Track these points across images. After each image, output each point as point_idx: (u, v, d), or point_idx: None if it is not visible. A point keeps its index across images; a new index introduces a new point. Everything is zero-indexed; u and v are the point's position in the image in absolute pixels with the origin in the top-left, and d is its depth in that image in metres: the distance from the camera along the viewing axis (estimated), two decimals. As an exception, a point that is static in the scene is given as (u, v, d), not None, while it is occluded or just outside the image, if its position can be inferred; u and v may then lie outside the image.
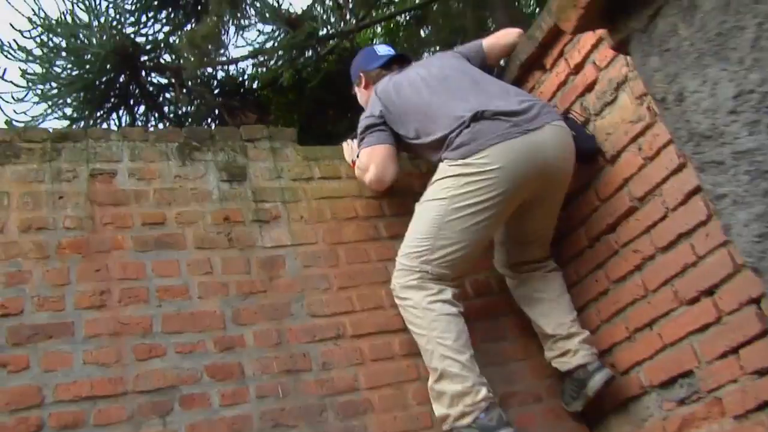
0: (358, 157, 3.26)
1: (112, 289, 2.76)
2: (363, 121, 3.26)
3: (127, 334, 2.69)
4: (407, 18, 10.05)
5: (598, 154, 3.08)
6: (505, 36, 3.59)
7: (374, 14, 9.15)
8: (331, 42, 7.68)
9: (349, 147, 3.45)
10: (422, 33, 10.19)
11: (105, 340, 2.66)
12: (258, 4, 6.77)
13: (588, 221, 3.17)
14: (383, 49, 3.70)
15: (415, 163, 3.52)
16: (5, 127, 6.72)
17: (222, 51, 6.41)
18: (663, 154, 2.78)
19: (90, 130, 3.15)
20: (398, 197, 3.36)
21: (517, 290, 3.25)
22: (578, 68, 3.20)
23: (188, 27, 8.02)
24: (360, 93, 3.62)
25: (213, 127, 8.27)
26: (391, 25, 10.16)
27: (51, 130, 3.05)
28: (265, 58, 7.64)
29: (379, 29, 10.53)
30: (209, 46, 5.60)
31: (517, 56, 3.48)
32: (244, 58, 7.60)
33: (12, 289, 2.65)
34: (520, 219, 3.09)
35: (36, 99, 7.10)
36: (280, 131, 3.40)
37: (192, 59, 5.50)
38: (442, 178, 2.94)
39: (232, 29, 6.40)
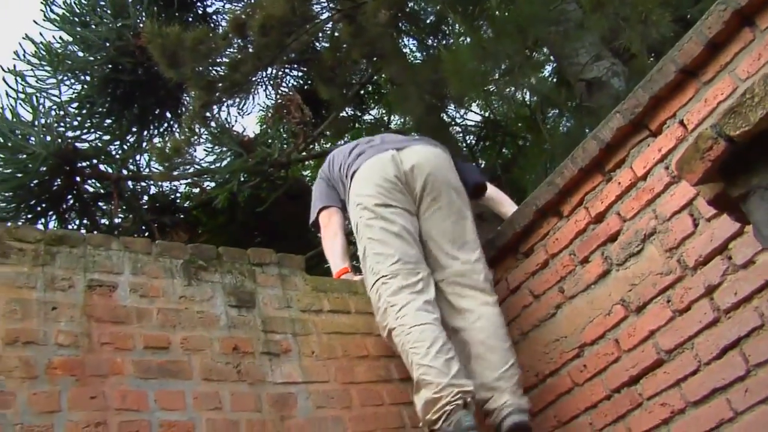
0: None
1: (110, 420, 2.39)
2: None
3: (124, 477, 2.31)
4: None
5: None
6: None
7: (312, 147, 9.18)
8: (282, 169, 7.57)
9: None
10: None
11: (99, 482, 2.27)
12: (213, 125, 6.65)
13: (606, 372, 3.03)
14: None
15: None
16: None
17: (189, 166, 6.18)
18: (695, 307, 2.72)
19: (89, 236, 2.84)
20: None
21: None
22: (600, 217, 3.15)
23: (130, 138, 7.81)
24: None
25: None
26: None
27: (46, 231, 2.73)
28: (208, 177, 7.45)
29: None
30: (177, 159, 5.39)
31: (533, 201, 3.41)
32: (188, 175, 7.38)
33: (-10, 414, 2.25)
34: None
35: (-40, 193, 6.64)
36: (289, 258, 3.20)
37: (160, 171, 5.27)
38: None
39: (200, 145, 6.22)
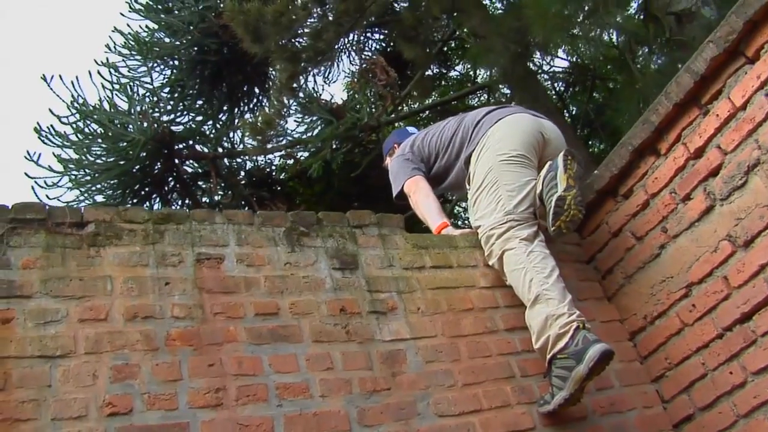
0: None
1: (228, 386, 2.49)
2: None
3: (247, 438, 2.41)
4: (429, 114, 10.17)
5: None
6: None
7: (401, 108, 9.16)
8: (372, 133, 7.60)
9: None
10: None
11: (224, 444, 2.38)
12: (301, 95, 6.72)
13: (717, 310, 2.97)
14: (413, 129, 4.52)
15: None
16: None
17: (282, 138, 6.30)
18: (806, 239, 2.61)
19: (194, 212, 2.94)
20: (512, 289, 3.18)
21: None
22: (699, 152, 3.06)
23: (222, 117, 7.99)
24: (390, 162, 4.13)
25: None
26: (417, 120, 10.23)
27: (152, 211, 2.85)
28: (301, 147, 7.55)
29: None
30: (270, 132, 5.49)
31: (629, 142, 3.34)
32: (281, 147, 7.49)
33: (119, 385, 2.38)
34: None
35: (70, 184, 6.94)
36: (388, 217, 3.24)
37: (254, 145, 5.39)
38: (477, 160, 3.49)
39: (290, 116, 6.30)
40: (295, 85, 6.29)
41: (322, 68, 6.47)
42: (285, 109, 6.50)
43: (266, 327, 2.69)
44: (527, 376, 2.96)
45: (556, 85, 10.38)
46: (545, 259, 3.12)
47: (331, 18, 5.74)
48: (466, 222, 9.95)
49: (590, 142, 10.06)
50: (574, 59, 10.02)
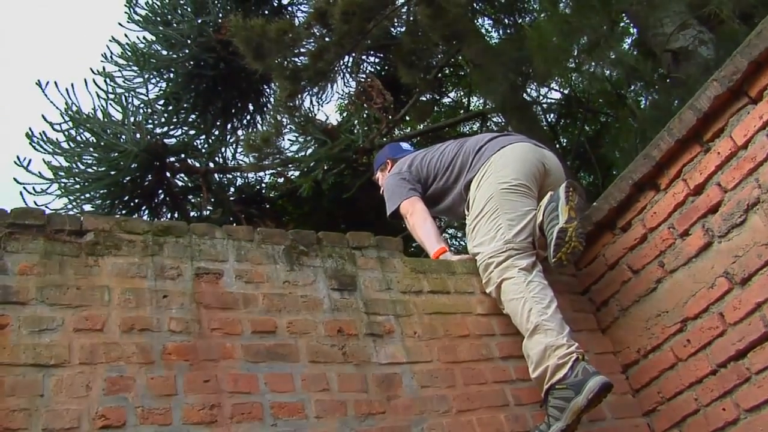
0: None
1: (223, 403, 2.47)
2: None
3: (240, 457, 2.38)
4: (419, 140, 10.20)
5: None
6: None
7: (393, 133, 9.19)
8: (365, 155, 7.60)
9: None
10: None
11: (217, 463, 2.35)
12: (297, 114, 6.73)
13: (711, 346, 2.97)
14: (406, 145, 4.45)
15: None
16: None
17: (278, 156, 6.30)
18: (804, 278, 2.61)
19: (193, 225, 2.92)
20: (508, 317, 3.18)
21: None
22: (699, 189, 3.08)
23: (215, 132, 7.98)
24: (383, 177, 4.16)
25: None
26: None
27: (152, 222, 2.83)
28: (293, 166, 7.54)
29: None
30: (266, 150, 5.49)
31: (629, 175, 3.36)
32: (276, 165, 7.47)
33: (113, 398, 2.35)
34: None
35: (59, 192, 6.89)
36: (387, 240, 3.24)
37: (250, 162, 5.39)
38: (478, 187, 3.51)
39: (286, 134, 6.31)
40: (294, 103, 6.30)
41: (319, 88, 6.49)
42: (282, 128, 6.51)
43: (263, 345, 2.67)
44: (521, 405, 2.95)
45: (548, 116, 10.45)
46: (544, 289, 3.13)
47: (330, 38, 5.78)
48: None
49: (580, 174, 10.11)
50: (566, 92, 10.11)
